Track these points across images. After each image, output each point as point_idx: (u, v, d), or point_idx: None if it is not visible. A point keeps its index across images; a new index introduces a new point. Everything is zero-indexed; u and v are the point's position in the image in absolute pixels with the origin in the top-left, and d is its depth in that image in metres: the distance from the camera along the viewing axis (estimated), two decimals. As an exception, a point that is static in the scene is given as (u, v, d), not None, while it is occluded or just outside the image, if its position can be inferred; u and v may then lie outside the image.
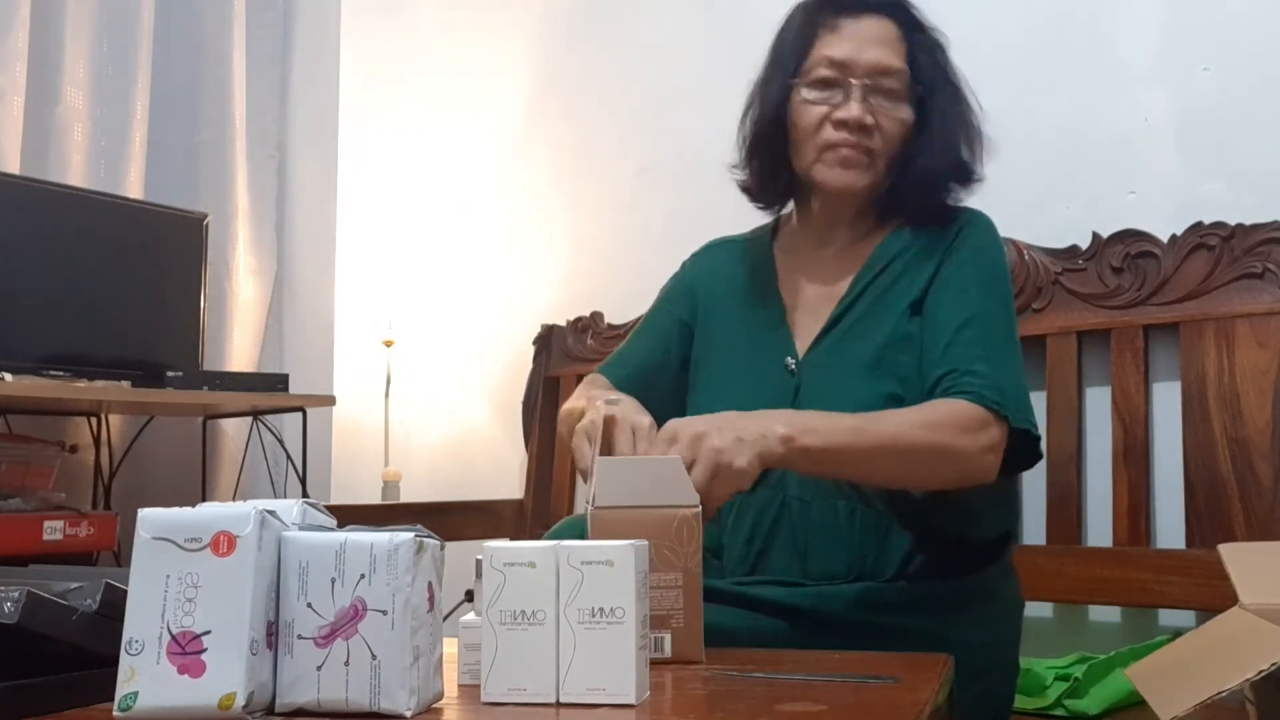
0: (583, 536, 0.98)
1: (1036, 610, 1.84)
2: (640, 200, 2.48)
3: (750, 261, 1.39)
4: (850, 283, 1.28)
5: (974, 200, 1.34)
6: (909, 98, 1.24)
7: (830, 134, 1.23)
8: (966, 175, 1.29)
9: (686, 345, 1.38)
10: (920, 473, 1.12)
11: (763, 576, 1.18)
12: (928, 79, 1.25)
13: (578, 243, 2.62)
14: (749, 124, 1.32)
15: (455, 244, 2.82)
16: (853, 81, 1.22)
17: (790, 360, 1.26)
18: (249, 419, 2.53)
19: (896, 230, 1.30)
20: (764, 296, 1.34)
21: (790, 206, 1.39)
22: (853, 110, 1.22)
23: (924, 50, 1.26)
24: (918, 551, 1.17)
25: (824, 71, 1.24)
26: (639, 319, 1.48)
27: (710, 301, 1.38)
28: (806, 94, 1.25)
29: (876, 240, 1.30)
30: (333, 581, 0.73)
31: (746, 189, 1.36)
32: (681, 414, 1.31)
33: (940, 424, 1.11)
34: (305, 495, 2.18)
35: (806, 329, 1.28)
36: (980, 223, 1.29)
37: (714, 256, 1.43)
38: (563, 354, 2.48)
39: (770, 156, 1.31)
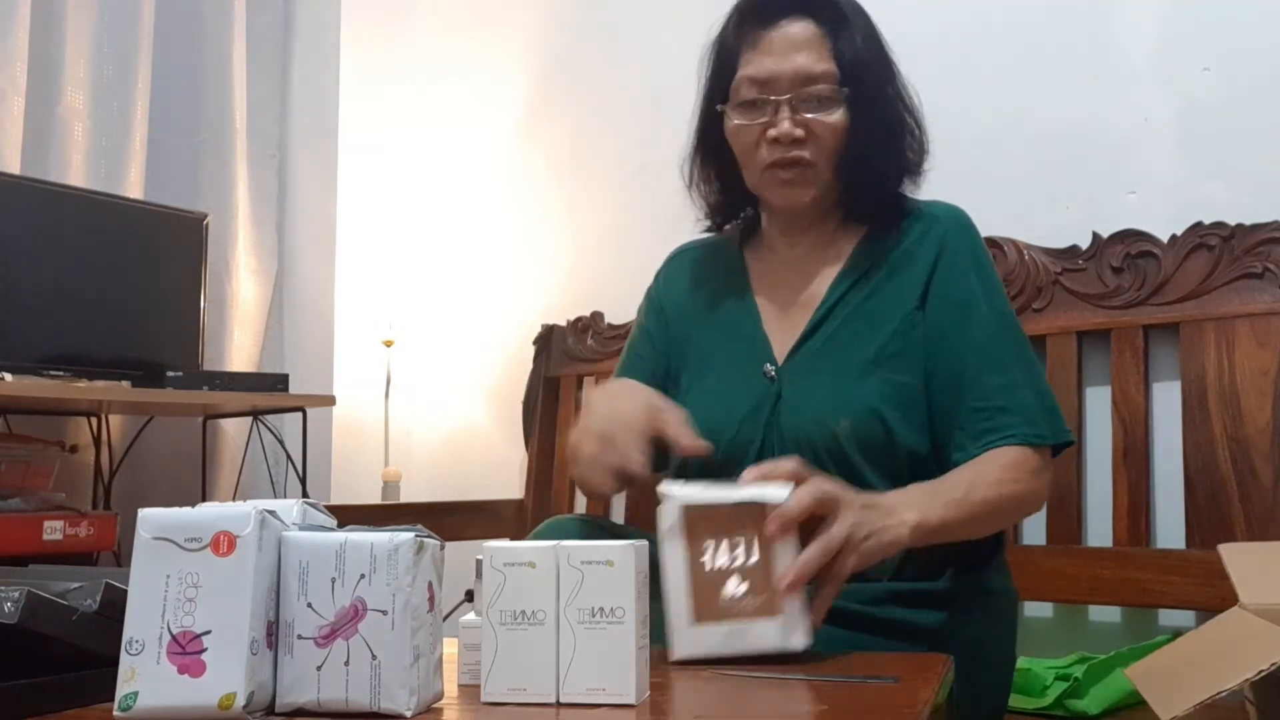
0: (567, 537, 0.97)
1: (1036, 610, 1.84)
2: (640, 200, 2.48)
3: (720, 266, 1.35)
4: (829, 287, 1.25)
5: (975, 200, 1.33)
6: (840, 98, 1.20)
7: (766, 153, 1.21)
8: (907, 170, 1.26)
9: (669, 368, 1.35)
10: (1000, 524, 1.16)
11: None
12: (856, 75, 1.20)
13: (578, 243, 2.62)
14: (692, 149, 1.33)
15: (455, 244, 2.82)
16: (778, 99, 1.20)
17: (769, 367, 1.23)
18: (249, 419, 2.53)
19: (868, 234, 1.27)
20: (738, 302, 1.31)
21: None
22: (782, 127, 1.19)
23: (849, 44, 1.21)
24: (911, 559, 1.16)
25: (748, 93, 1.21)
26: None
27: (681, 314, 1.35)
28: (736, 118, 1.23)
29: (848, 239, 1.28)
30: (333, 581, 0.73)
31: (706, 215, 1.36)
32: None
33: (1014, 478, 1.12)
34: (305, 495, 2.18)
35: (784, 335, 1.25)
36: (959, 222, 1.25)
37: (682, 265, 1.40)
38: (563, 354, 2.48)
39: (720, 181, 1.31)
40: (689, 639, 0.92)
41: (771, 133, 1.20)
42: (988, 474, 1.11)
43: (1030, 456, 1.14)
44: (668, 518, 0.94)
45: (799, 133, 1.19)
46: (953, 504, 1.07)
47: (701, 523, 0.93)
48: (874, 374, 1.18)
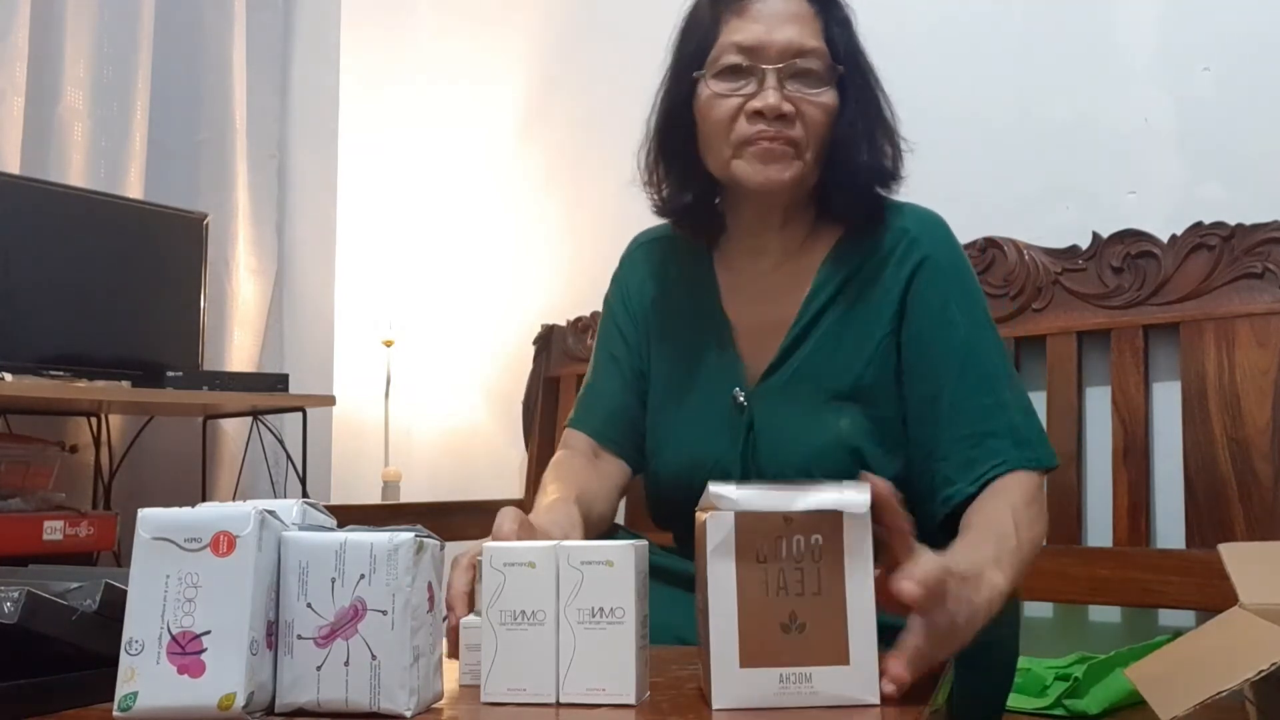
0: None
1: (1036, 610, 1.84)
2: (640, 200, 2.47)
3: (687, 266, 1.25)
4: (800, 307, 1.16)
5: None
6: (830, 79, 1.12)
7: (746, 128, 1.10)
8: (888, 174, 1.17)
9: (643, 370, 1.27)
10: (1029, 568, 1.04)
11: None
12: (846, 58, 1.13)
13: (577, 243, 2.62)
14: (652, 130, 1.21)
15: (455, 244, 2.82)
16: (765, 68, 1.10)
17: (739, 392, 1.16)
18: (249, 419, 2.53)
19: (839, 244, 1.18)
20: (707, 315, 1.21)
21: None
22: (769, 99, 1.09)
23: (841, 29, 1.14)
24: None
25: (732, 59, 1.11)
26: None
27: (647, 311, 1.27)
28: (715, 86, 1.12)
29: (817, 251, 1.19)
30: (332, 582, 0.73)
31: (659, 209, 1.23)
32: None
33: (1039, 513, 1.04)
34: (305, 495, 2.18)
35: (755, 357, 1.17)
36: (936, 231, 1.17)
37: (648, 257, 1.30)
38: (563, 354, 2.48)
39: (680, 163, 1.19)
40: (736, 684, 0.74)
41: (755, 104, 1.09)
42: (1019, 512, 1.00)
43: (1036, 482, 1.07)
44: (719, 529, 0.75)
45: (787, 107, 1.09)
46: (1015, 555, 0.94)
47: (759, 537, 0.74)
48: (851, 408, 1.12)
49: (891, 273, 1.15)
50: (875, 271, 1.16)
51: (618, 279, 1.33)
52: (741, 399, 1.16)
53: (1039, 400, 1.75)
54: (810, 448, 1.10)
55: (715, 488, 0.77)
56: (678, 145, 1.18)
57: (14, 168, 2.22)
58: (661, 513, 1.26)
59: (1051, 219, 1.90)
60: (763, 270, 1.21)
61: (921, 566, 0.77)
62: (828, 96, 1.12)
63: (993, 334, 1.15)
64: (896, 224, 1.17)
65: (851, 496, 0.76)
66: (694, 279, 1.25)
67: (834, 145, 1.14)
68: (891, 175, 1.17)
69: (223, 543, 0.71)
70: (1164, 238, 1.75)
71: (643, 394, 1.27)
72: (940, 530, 1.07)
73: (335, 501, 2.53)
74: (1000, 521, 0.99)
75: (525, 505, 2.57)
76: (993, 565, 0.89)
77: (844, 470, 1.05)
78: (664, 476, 1.21)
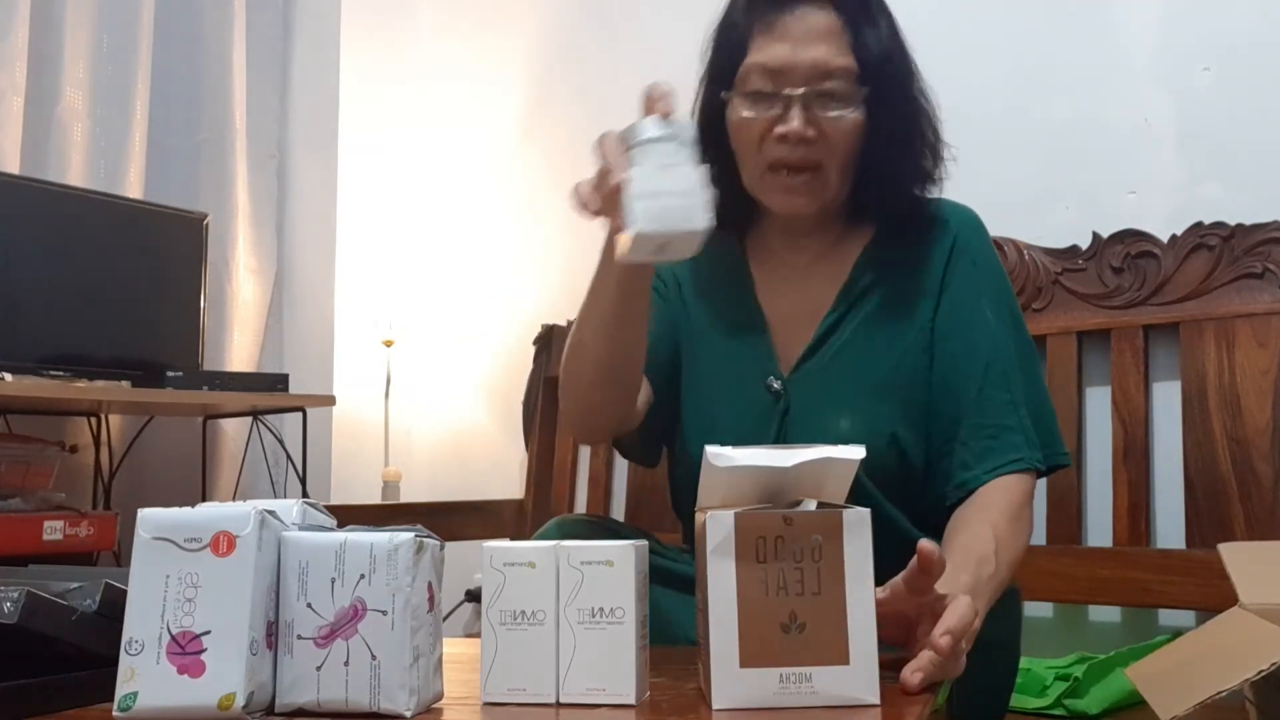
0: (571, 537, 0.92)
1: (1036, 610, 1.84)
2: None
3: (723, 262, 1.25)
4: (836, 297, 1.18)
5: (975, 200, 1.32)
6: (858, 98, 1.11)
7: (772, 151, 1.11)
8: (924, 177, 1.18)
9: (676, 334, 1.26)
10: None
11: None
12: (876, 73, 1.12)
13: (578, 243, 2.61)
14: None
15: (455, 244, 2.82)
16: (790, 93, 1.10)
17: (774, 380, 1.17)
18: (249, 419, 2.53)
19: (877, 236, 1.20)
20: (741, 305, 1.22)
21: None
22: (793, 125, 1.09)
23: (872, 39, 1.13)
24: None
25: (758, 83, 1.11)
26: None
27: (682, 288, 1.26)
28: (742, 109, 1.13)
29: (854, 243, 1.21)
30: (332, 582, 0.73)
31: None
32: (675, 409, 1.24)
33: (1025, 523, 1.07)
34: (305, 495, 2.18)
35: (789, 345, 1.18)
36: (969, 225, 1.20)
37: None
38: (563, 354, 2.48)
39: (716, 168, 1.15)
40: (736, 684, 0.74)
41: (780, 129, 1.10)
42: (1001, 529, 1.03)
43: (1030, 484, 1.10)
44: (718, 529, 0.75)
45: (811, 132, 1.10)
46: (991, 582, 0.98)
47: (759, 537, 0.75)
48: (890, 396, 1.13)
49: (929, 259, 1.17)
50: (913, 261, 1.18)
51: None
52: (776, 386, 1.17)
53: (1039, 400, 1.75)
54: (846, 433, 1.11)
55: (712, 449, 0.77)
56: (714, 153, 1.18)
57: (14, 168, 2.22)
58: (687, 504, 1.25)
59: (1051, 219, 1.90)
60: (798, 264, 1.22)
61: (960, 616, 0.81)
62: (853, 115, 1.12)
63: (1019, 333, 1.17)
64: (934, 216, 1.19)
65: (844, 451, 0.78)
66: (726, 272, 1.25)
67: (866, 157, 1.14)
68: (929, 177, 1.18)
69: (223, 543, 0.71)
70: (1164, 238, 1.75)
71: (674, 340, 1.25)
72: (948, 511, 1.10)
73: (335, 501, 2.53)
74: (981, 545, 1.01)
75: (525, 506, 2.57)
76: (978, 598, 0.91)
77: (880, 456, 1.07)
78: (695, 465, 1.21)
